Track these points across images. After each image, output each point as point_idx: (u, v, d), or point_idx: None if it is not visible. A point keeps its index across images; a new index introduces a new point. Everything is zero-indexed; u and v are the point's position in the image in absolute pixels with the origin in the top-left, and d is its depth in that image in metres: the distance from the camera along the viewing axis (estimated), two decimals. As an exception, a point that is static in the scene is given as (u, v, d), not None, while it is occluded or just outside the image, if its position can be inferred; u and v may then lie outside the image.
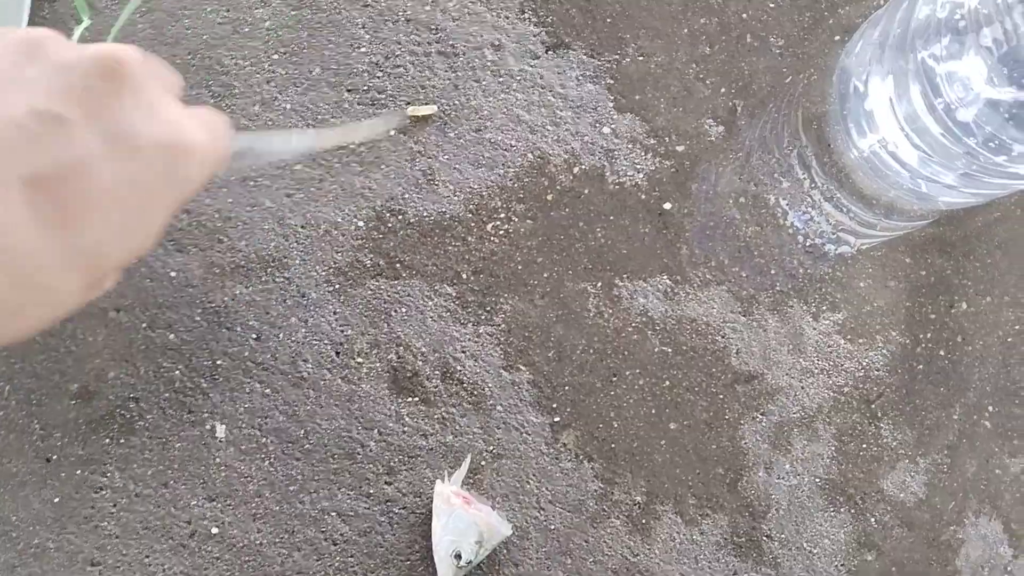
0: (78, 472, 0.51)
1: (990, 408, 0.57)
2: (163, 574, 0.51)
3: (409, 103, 0.55)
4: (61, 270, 0.24)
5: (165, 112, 0.27)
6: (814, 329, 0.56)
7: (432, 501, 0.52)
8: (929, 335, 0.57)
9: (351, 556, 0.52)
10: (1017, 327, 0.58)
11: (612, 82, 0.57)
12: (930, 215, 0.58)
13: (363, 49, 0.55)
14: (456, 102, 0.56)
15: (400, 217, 0.55)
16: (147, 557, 0.51)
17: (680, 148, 0.57)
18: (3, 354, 0.51)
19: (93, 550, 0.51)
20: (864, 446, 0.56)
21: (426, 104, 0.55)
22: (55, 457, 0.51)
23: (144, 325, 0.52)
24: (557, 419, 0.54)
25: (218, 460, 0.52)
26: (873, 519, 0.55)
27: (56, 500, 0.51)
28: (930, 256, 0.58)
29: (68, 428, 0.51)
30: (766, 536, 0.54)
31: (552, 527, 0.53)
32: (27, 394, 0.51)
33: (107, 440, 0.51)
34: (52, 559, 0.50)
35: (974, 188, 0.53)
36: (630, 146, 0.57)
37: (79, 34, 0.52)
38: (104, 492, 0.51)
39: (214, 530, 0.51)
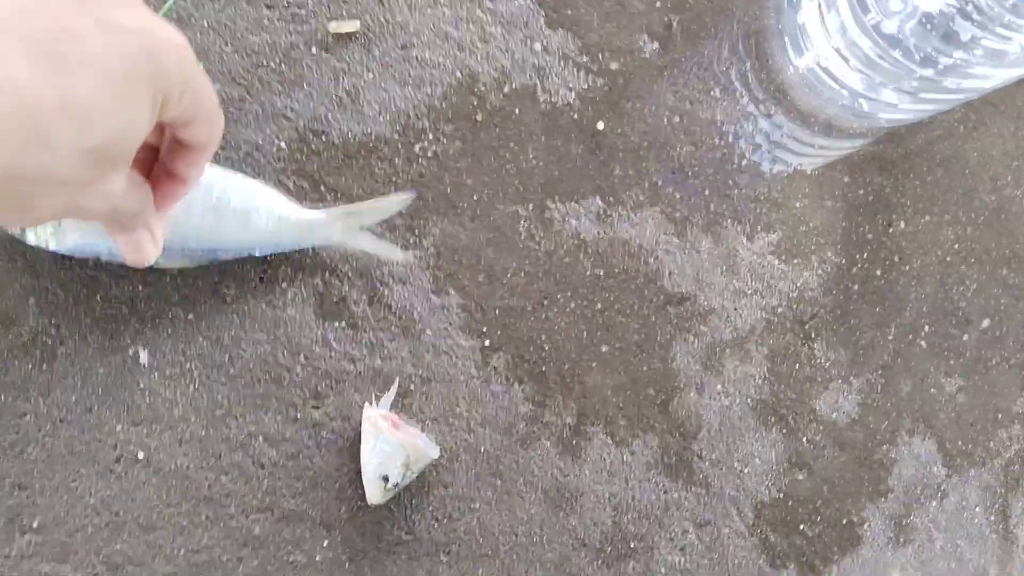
0: (1, 398, 0.51)
1: (926, 328, 0.57)
2: (90, 498, 0.51)
3: (331, 19, 0.54)
4: (59, 117, 0.27)
5: (146, 14, 0.30)
6: (748, 250, 0.56)
7: (360, 425, 0.52)
8: (865, 255, 0.56)
9: (279, 479, 0.52)
10: (956, 246, 0.57)
11: (543, -3, 0.55)
12: (870, 133, 0.57)
13: (282, -37, 0.53)
14: (381, 18, 0.54)
15: (324, 138, 0.53)
16: (74, 482, 0.51)
17: (614, 66, 0.56)
18: (-81, 281, 0.50)
19: (20, 475, 0.50)
20: (797, 367, 0.55)
21: (349, 20, 0.54)
22: (-24, 384, 0.50)
23: (63, 254, 0.51)
24: (487, 343, 0.54)
25: (142, 385, 0.51)
26: (805, 439, 0.55)
27: (-21, 426, 0.50)
28: (869, 174, 0.57)
29: (-12, 355, 0.50)
30: (697, 456, 0.54)
31: (482, 449, 0.53)
32: (-55, 321, 0.50)
33: (29, 366, 0.51)
34: (-23, 484, 0.50)
35: (913, 104, 0.52)
36: (562, 64, 0.55)
37: None
38: (28, 418, 0.51)
39: (140, 455, 0.51)
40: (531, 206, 0.54)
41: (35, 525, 0.51)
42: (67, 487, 0.51)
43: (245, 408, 0.52)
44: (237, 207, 0.49)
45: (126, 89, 0.29)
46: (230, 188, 0.50)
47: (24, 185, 0.28)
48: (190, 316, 0.52)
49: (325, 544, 0.52)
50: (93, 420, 0.51)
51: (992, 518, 0.58)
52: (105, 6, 0.29)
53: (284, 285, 0.52)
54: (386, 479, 0.50)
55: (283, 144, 0.53)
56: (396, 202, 0.52)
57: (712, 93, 0.56)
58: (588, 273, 0.54)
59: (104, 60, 0.28)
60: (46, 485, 0.51)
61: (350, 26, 0.54)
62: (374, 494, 0.50)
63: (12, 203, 0.28)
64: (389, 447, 0.50)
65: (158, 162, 0.35)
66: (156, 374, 0.51)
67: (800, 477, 0.55)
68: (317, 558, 0.51)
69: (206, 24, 0.53)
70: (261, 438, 0.52)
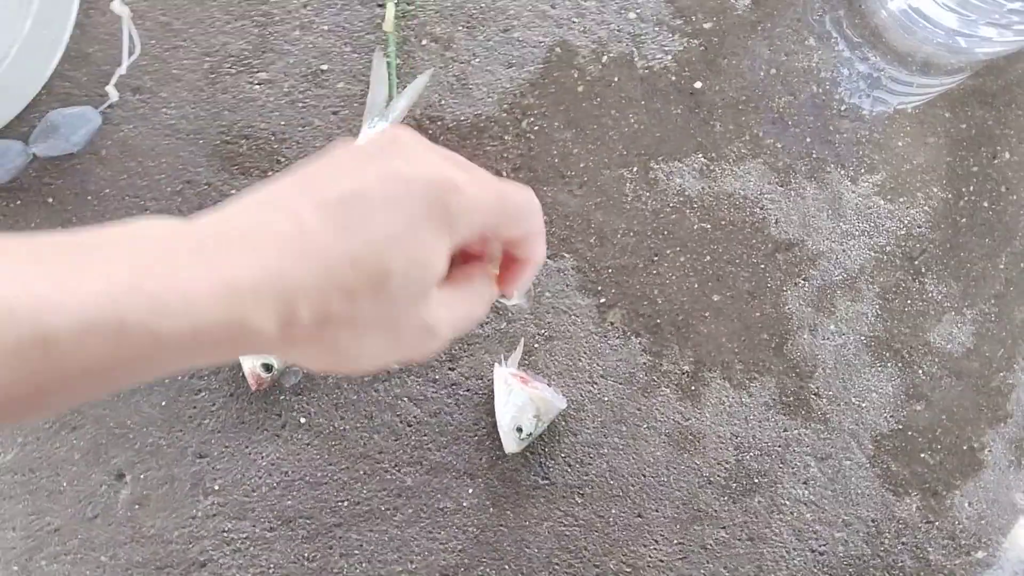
0: (179, 379, 0.57)
1: (1039, 255, 0.57)
2: (262, 461, 0.57)
3: (380, 5, 0.57)
4: (352, 273, 0.30)
5: (425, 159, 0.32)
6: (853, 192, 0.57)
7: (492, 382, 0.56)
8: (972, 188, 0.57)
9: (425, 435, 0.57)
10: (1066, 171, 0.57)
11: (633, -33, 0.58)
12: (969, 68, 0.57)
13: (389, -37, 0.58)
14: (482, 5, 0.58)
15: (439, 123, 0.58)
16: (247, 447, 0.57)
17: (707, 25, 0.58)
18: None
19: (199, 444, 0.57)
20: (909, 302, 0.57)
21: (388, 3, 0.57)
22: (158, 366, 0.57)
23: (219, 244, 0.57)
24: (603, 300, 0.57)
25: (298, 359, 0.57)
26: (921, 371, 0.57)
27: (163, 403, 0.57)
28: (970, 108, 0.57)
29: (166, 340, 0.57)
30: (814, 394, 0.57)
31: (606, 399, 0.57)
32: (127, 313, 0.57)
33: (200, 348, 0.57)
34: (165, 455, 0.57)
35: (1010, 36, 0.53)
36: (657, 29, 0.58)
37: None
38: (202, 394, 0.57)
39: (302, 420, 0.57)
40: (636, 168, 0.57)
41: (216, 488, 0.58)
42: (241, 452, 0.57)
43: (391, 373, 0.57)
44: None
45: (411, 234, 0.31)
46: None
47: (337, 332, 0.30)
48: (334, 294, 0.57)
49: (470, 491, 0.57)
50: (259, 392, 0.57)
51: (1119, 440, 0.58)
52: (386, 159, 0.31)
53: (415, 260, 0.57)
54: (520, 430, 0.54)
55: (403, 131, 0.57)
56: (422, 82, 0.56)
57: (807, 42, 0.57)
58: (695, 227, 0.57)
59: (387, 212, 0.30)
60: (223, 452, 0.57)
61: (391, 11, 0.57)
62: (510, 444, 0.55)
63: (330, 350, 0.30)
64: (520, 401, 0.55)
65: (504, 251, 0.36)
66: (309, 348, 0.57)
67: (918, 408, 0.57)
68: (464, 504, 0.57)
69: (326, 28, 0.57)
70: (406, 399, 0.57)
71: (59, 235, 0.28)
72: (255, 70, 0.58)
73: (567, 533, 0.57)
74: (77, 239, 0.28)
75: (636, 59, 0.58)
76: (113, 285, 0.26)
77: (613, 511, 0.57)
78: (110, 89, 0.57)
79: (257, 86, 0.58)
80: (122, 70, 0.57)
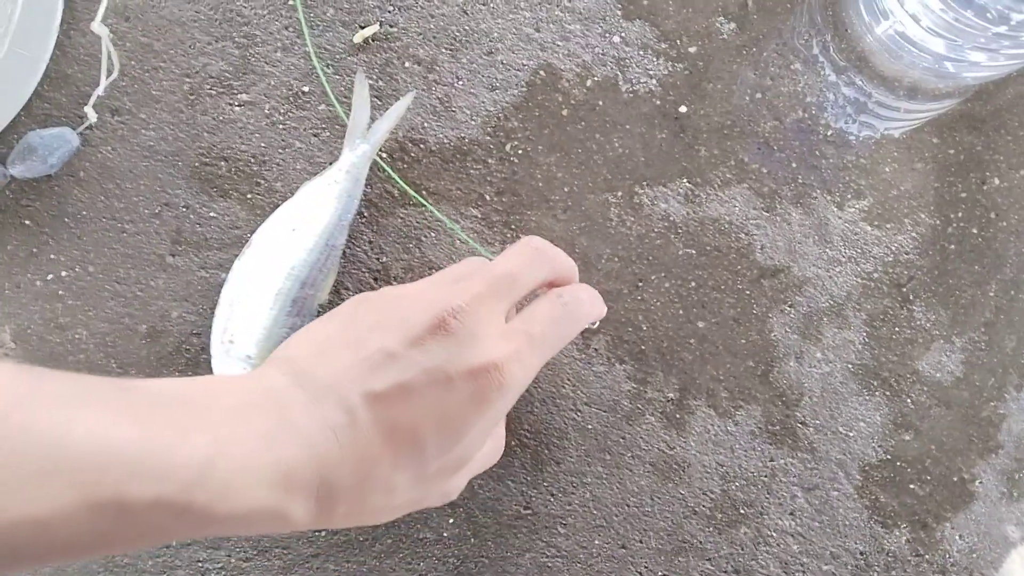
0: (155, 404, 0.56)
1: (1029, 283, 0.56)
2: (238, 489, 0.56)
3: (363, 26, 0.57)
4: (391, 467, 0.33)
5: (479, 344, 0.35)
6: (839, 218, 0.56)
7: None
8: (960, 214, 0.56)
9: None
10: (1055, 198, 0.56)
11: (618, -10, 0.57)
12: (957, 93, 0.56)
13: (371, -15, 0.57)
14: (466, 27, 0.57)
15: (422, 146, 0.57)
16: (223, 475, 0.56)
17: (692, 49, 0.57)
18: (77, 303, 0.56)
19: (175, 472, 0.56)
20: (897, 329, 0.56)
21: (368, 27, 0.57)
22: (133, 392, 0.56)
23: (197, 267, 0.56)
24: (587, 326, 0.56)
25: (276, 385, 0.56)
26: (909, 400, 0.56)
27: (139, 430, 0.56)
28: (958, 134, 0.56)
29: (141, 365, 0.56)
30: (800, 423, 0.56)
31: (589, 427, 0.56)
32: (102, 337, 0.56)
33: (177, 373, 0.56)
34: (141, 481, 0.56)
35: (997, 61, 0.52)
36: (641, 53, 0.57)
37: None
38: (179, 420, 0.56)
39: (279, 448, 0.56)
40: (620, 193, 0.57)
41: (192, 516, 0.56)
42: (218, 480, 0.56)
43: (369, 400, 0.56)
44: (306, 221, 0.53)
45: (454, 429, 0.35)
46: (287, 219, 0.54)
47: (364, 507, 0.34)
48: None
49: (451, 521, 0.55)
50: (236, 419, 0.56)
51: (1113, 471, 0.57)
52: (437, 352, 0.34)
53: (395, 283, 0.56)
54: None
55: (385, 155, 0.57)
56: (404, 104, 0.55)
57: (793, 67, 0.57)
58: (680, 253, 0.56)
59: (432, 411, 0.34)
60: (199, 479, 0.56)
61: (371, 30, 0.57)
62: (492, 474, 0.54)
63: (353, 518, 0.35)
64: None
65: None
66: (287, 374, 0.56)
67: (907, 438, 0.56)
68: (444, 534, 0.55)
69: (308, 49, 0.57)
70: (385, 427, 0.56)
71: (147, 385, 0.32)
72: (236, 91, 0.57)
73: (550, 564, 0.55)
74: (166, 394, 0.31)
75: (621, 83, 0.57)
76: (193, 461, 0.29)
77: (596, 542, 0.56)
78: (88, 110, 0.56)
79: (237, 107, 0.57)
80: (100, 91, 0.56)
